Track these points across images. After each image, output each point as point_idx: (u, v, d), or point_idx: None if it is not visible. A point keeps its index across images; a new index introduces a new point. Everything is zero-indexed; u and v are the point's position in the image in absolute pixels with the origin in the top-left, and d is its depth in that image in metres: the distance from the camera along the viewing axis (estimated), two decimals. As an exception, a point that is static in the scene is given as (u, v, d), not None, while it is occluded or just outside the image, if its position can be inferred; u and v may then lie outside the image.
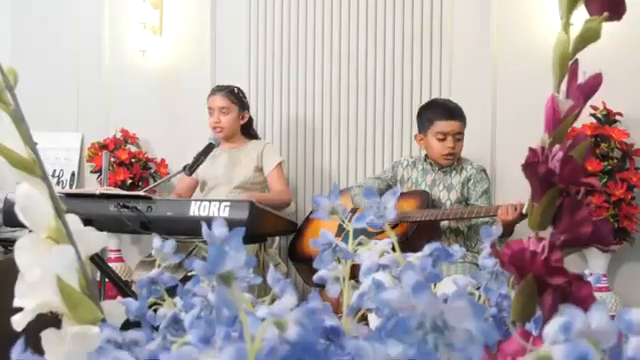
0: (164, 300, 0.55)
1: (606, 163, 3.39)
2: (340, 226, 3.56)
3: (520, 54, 3.75)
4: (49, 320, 0.61)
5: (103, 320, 0.57)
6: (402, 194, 3.47)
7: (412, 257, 0.48)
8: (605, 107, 3.47)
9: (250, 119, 3.93)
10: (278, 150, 4.12)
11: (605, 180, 3.35)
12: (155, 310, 0.56)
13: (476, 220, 3.30)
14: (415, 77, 4.00)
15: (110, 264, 4.08)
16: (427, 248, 0.48)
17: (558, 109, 0.58)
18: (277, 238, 3.85)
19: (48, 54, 4.95)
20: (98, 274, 3.68)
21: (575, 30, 0.61)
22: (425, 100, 3.91)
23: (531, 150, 0.56)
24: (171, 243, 0.57)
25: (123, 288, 3.61)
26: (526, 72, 3.69)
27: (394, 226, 3.35)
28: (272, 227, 3.21)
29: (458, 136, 3.32)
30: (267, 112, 4.35)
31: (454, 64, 3.93)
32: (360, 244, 0.59)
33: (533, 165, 0.55)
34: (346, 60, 4.15)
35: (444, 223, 3.35)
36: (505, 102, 3.83)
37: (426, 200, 3.33)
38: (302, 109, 4.28)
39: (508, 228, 3.05)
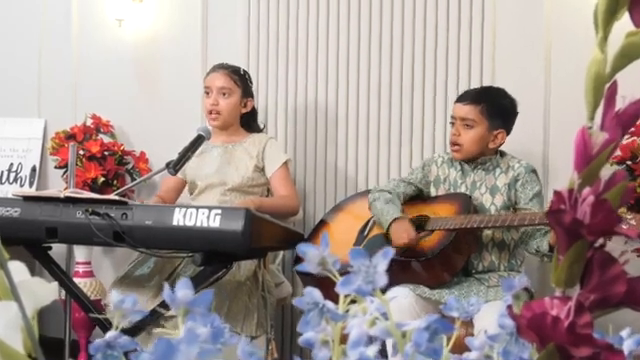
0: (123, 367, 0.58)
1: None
2: (360, 234, 3.60)
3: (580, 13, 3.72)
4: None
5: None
6: (438, 197, 3.49)
7: (409, 327, 0.50)
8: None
9: (254, 110, 3.94)
10: (283, 146, 4.14)
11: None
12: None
13: (525, 229, 3.29)
14: (451, 44, 3.96)
15: (77, 280, 4.11)
16: (424, 320, 0.50)
17: (589, 143, 0.59)
18: (280, 252, 3.87)
19: (7, 25, 4.98)
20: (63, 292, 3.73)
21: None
22: (463, 74, 3.92)
23: (556, 194, 0.58)
24: (132, 299, 0.60)
25: (92, 310, 3.66)
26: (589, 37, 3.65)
27: (428, 233, 3.36)
28: (274, 239, 3.24)
29: (467, 122, 3.38)
30: (270, 97, 4.35)
31: (498, 26, 3.90)
32: (353, 301, 0.61)
33: (558, 213, 0.57)
34: (367, 32, 4.14)
35: (487, 234, 3.35)
36: (561, 77, 3.77)
37: (467, 205, 3.34)
38: (312, 94, 4.27)
39: None
